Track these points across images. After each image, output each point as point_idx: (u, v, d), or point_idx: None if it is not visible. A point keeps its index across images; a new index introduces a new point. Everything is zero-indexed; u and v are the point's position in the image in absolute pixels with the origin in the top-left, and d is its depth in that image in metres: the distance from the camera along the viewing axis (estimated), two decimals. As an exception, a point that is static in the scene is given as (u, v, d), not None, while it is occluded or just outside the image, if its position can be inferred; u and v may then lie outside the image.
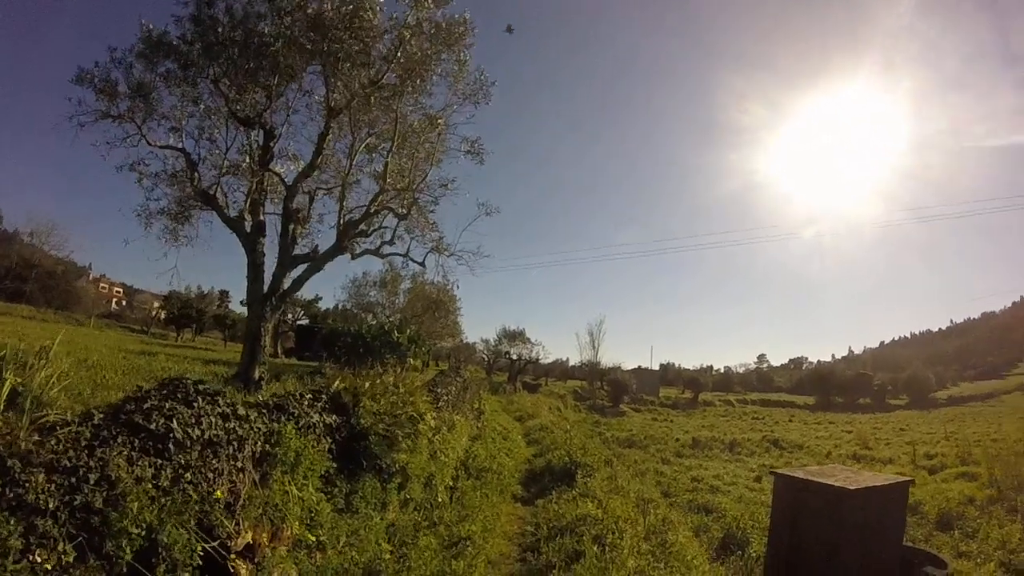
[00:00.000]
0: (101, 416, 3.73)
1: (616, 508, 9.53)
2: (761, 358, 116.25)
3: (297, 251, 13.99)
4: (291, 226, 13.66)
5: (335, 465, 6.52)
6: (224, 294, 69.29)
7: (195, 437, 4.17)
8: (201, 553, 3.93)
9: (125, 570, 3.35)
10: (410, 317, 36.25)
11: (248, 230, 13.45)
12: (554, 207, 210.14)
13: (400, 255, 16.79)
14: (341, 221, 13.96)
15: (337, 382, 6.96)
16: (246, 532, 4.68)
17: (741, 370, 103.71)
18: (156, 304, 63.85)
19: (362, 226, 14.40)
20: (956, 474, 23.87)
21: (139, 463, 3.59)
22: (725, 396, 70.05)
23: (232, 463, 4.87)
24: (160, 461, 3.78)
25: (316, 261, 13.84)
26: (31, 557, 2.76)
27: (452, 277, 17.38)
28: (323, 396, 6.71)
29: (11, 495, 2.77)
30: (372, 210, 14.35)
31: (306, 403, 6.39)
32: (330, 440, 6.54)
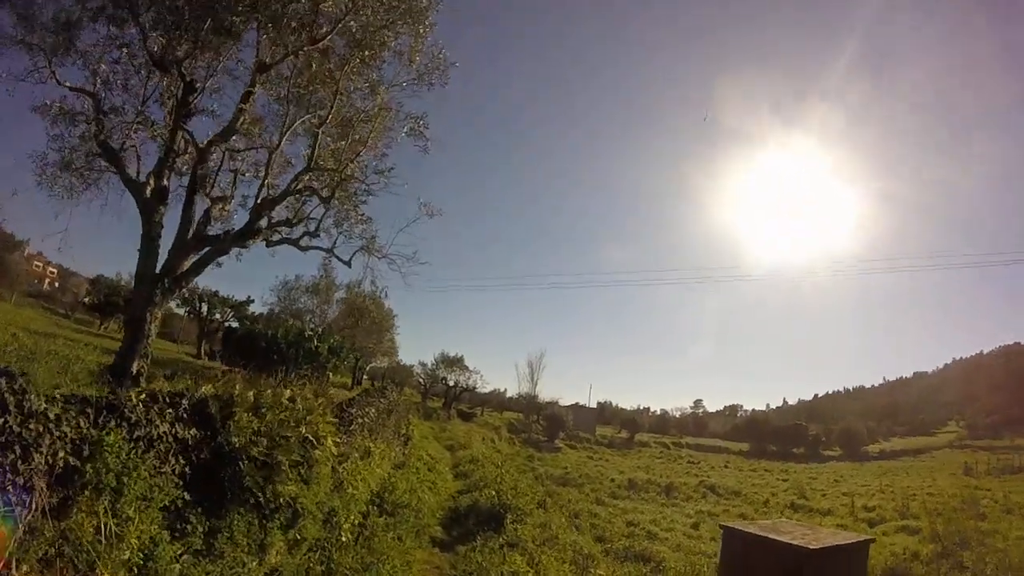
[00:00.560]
0: None
1: (550, 568, 8.05)
2: (697, 403, 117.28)
3: (212, 232, 12.04)
4: (197, 197, 11.75)
5: (187, 495, 4.86)
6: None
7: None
8: None
9: None
10: (341, 328, 33.81)
11: (147, 195, 11.46)
12: (513, 234, 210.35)
13: (323, 250, 14.81)
14: (259, 198, 12.17)
15: (206, 387, 5.31)
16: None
17: (677, 414, 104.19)
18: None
19: (286, 214, 12.72)
20: (896, 527, 23.66)
21: None
22: (661, 438, 69.93)
23: (12, 477, 3.30)
24: None
25: (222, 242, 11.94)
26: None
27: (381, 283, 15.68)
28: (182, 402, 5.06)
29: None
30: (293, 188, 12.54)
31: (155, 408, 4.74)
32: (183, 461, 4.89)
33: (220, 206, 12.39)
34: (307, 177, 12.76)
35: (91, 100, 11.95)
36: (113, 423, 4.26)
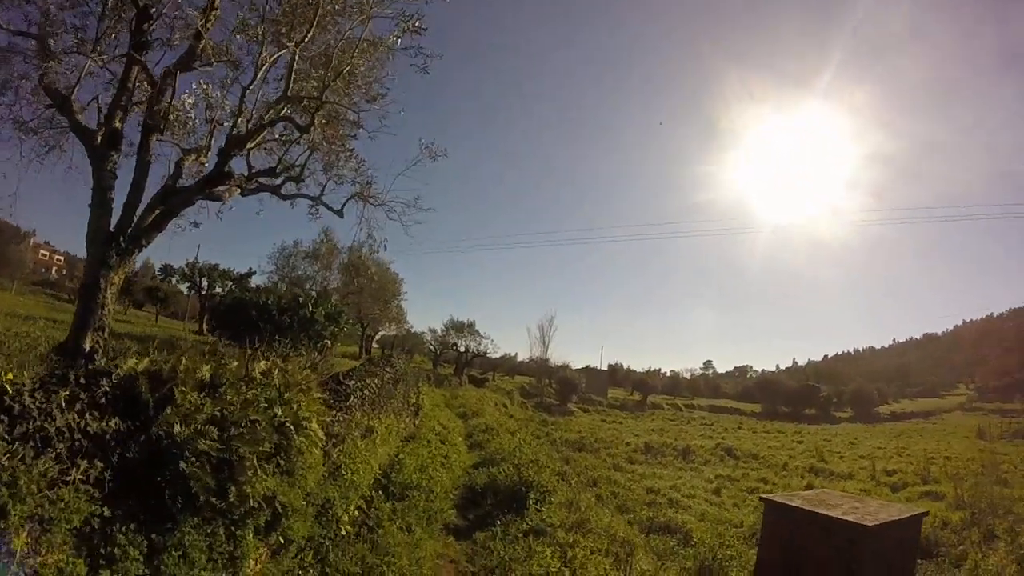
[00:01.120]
0: None
1: (587, 564, 6.79)
2: (707, 364, 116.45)
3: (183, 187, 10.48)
4: (157, 139, 10.09)
5: (107, 510, 3.55)
6: (168, 268, 63.47)
7: None
8: None
9: None
10: (344, 295, 32.13)
11: (98, 141, 9.81)
12: (516, 188, 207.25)
13: (310, 198, 13.01)
14: (232, 133, 10.57)
15: (132, 361, 3.93)
16: None
17: (688, 375, 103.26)
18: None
19: (268, 163, 11.13)
20: (919, 493, 22.85)
21: None
22: (673, 400, 69.03)
23: None
24: None
25: (186, 192, 10.44)
26: None
27: (379, 235, 13.81)
28: (101, 384, 3.70)
29: None
30: (267, 119, 10.91)
31: (57, 394, 3.39)
32: (100, 464, 3.55)
33: (194, 157, 10.76)
34: (283, 108, 11.08)
35: (37, 43, 10.34)
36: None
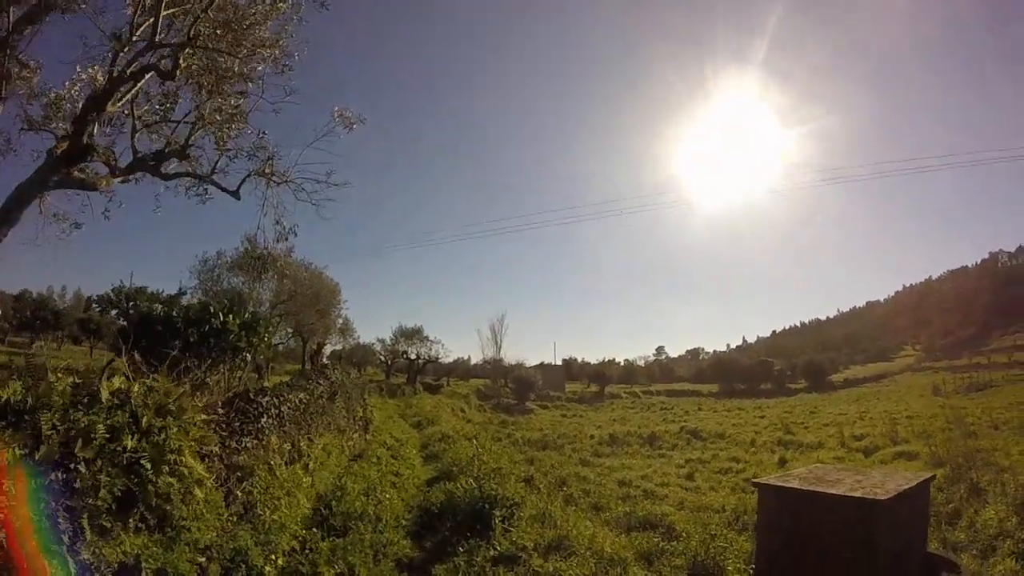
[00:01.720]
0: None
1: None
2: (659, 350, 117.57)
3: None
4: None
5: None
6: (103, 298, 58.39)
7: None
8: None
9: None
10: (275, 306, 29.70)
11: None
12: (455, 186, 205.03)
13: (198, 177, 10.82)
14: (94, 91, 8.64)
15: None
16: None
17: (642, 363, 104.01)
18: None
19: (155, 145, 9.27)
20: (892, 454, 22.54)
21: None
22: (631, 388, 69.13)
23: None
24: None
25: (37, 174, 8.48)
26: None
27: (287, 221, 11.79)
28: None
29: None
30: (128, 72, 8.98)
31: None
32: None
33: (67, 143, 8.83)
34: (149, 56, 9.17)
35: None
36: None
